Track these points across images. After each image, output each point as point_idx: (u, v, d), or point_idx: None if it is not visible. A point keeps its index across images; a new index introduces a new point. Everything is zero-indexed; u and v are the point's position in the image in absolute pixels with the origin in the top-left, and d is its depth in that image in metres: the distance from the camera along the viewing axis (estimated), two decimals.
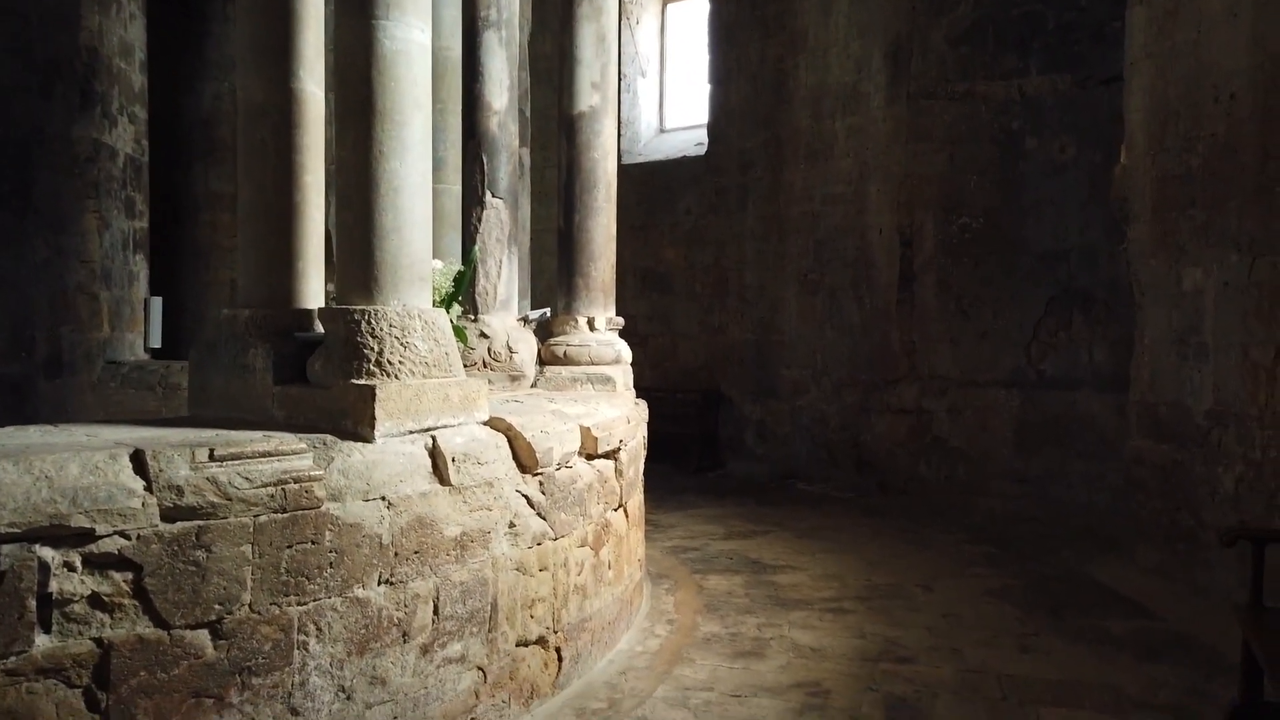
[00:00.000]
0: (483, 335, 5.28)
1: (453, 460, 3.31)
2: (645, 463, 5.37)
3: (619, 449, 4.51)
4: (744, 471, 9.96)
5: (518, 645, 3.62)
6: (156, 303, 8.19)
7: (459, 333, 4.85)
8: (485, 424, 3.66)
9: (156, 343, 8.02)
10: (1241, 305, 5.02)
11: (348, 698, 2.94)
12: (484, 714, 3.44)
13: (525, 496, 3.67)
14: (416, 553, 3.15)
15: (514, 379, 5.30)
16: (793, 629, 4.82)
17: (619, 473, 4.54)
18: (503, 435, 3.66)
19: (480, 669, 3.42)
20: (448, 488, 3.29)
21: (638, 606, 5.01)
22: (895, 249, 8.82)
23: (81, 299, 7.59)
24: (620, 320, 5.64)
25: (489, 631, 3.46)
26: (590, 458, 4.22)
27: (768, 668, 4.26)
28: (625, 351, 5.58)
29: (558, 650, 3.88)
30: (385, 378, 3.21)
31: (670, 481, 9.32)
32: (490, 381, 5.27)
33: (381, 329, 3.24)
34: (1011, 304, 8.41)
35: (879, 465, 8.95)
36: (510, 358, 5.29)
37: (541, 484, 3.76)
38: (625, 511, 4.72)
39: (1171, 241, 5.68)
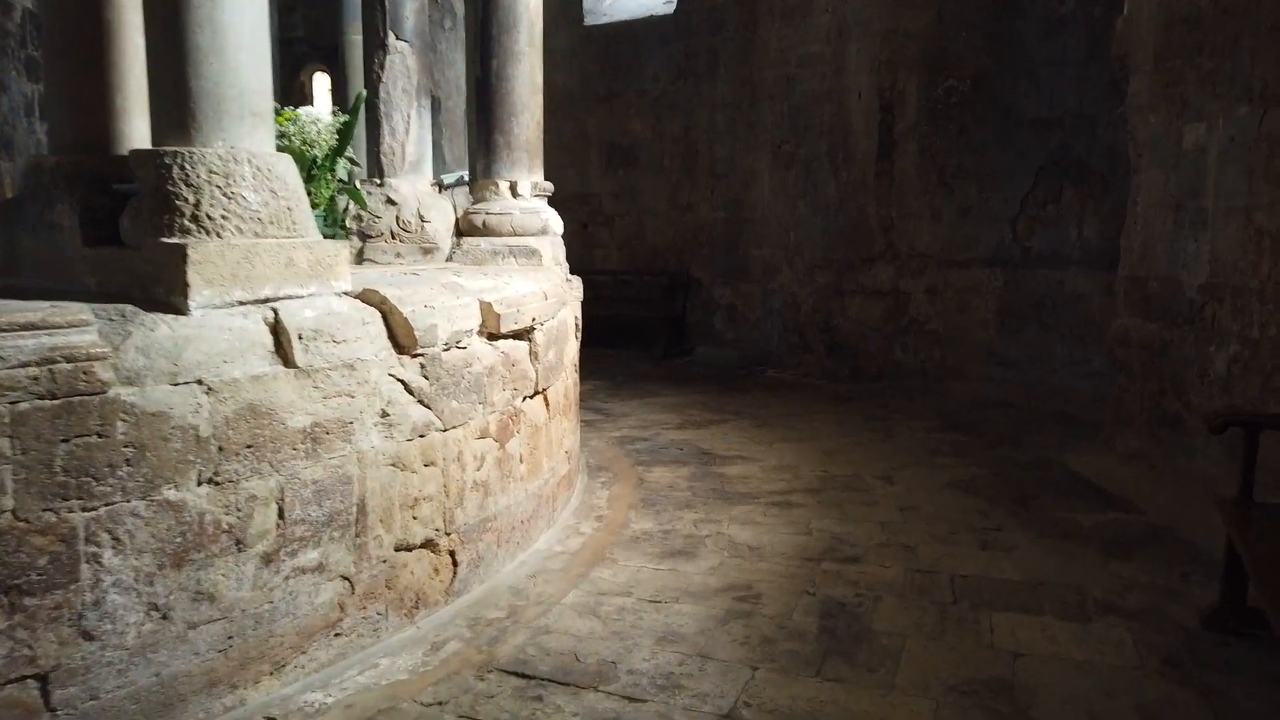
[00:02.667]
0: (390, 202, 4.67)
1: (299, 338, 2.76)
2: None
3: (532, 328, 3.96)
4: (712, 357, 9.45)
5: (397, 550, 3.16)
6: None
7: (355, 195, 4.25)
8: (355, 296, 3.11)
9: None
10: (1248, 164, 4.40)
11: (163, 617, 2.48)
12: (353, 628, 3.00)
13: (401, 381, 3.13)
14: (249, 447, 2.63)
15: (426, 251, 4.71)
16: (732, 525, 4.38)
17: (534, 355, 4.00)
18: (375, 310, 3.11)
19: (346, 578, 2.96)
20: (293, 370, 2.75)
21: (564, 502, 4.56)
22: (875, 115, 8.09)
23: None
24: (549, 186, 5.00)
25: (356, 536, 2.98)
26: (493, 338, 3.67)
27: (696, 569, 3.83)
28: (555, 221, 4.96)
29: (451, 554, 3.42)
30: (203, 235, 2.63)
31: (632, 368, 8.82)
32: (400, 255, 4.71)
33: (199, 175, 2.64)
34: (998, 175, 7.73)
35: (852, 350, 8.45)
36: (422, 228, 4.69)
37: (424, 367, 3.22)
38: (545, 399, 4.21)
39: (1174, 94, 5.01)
